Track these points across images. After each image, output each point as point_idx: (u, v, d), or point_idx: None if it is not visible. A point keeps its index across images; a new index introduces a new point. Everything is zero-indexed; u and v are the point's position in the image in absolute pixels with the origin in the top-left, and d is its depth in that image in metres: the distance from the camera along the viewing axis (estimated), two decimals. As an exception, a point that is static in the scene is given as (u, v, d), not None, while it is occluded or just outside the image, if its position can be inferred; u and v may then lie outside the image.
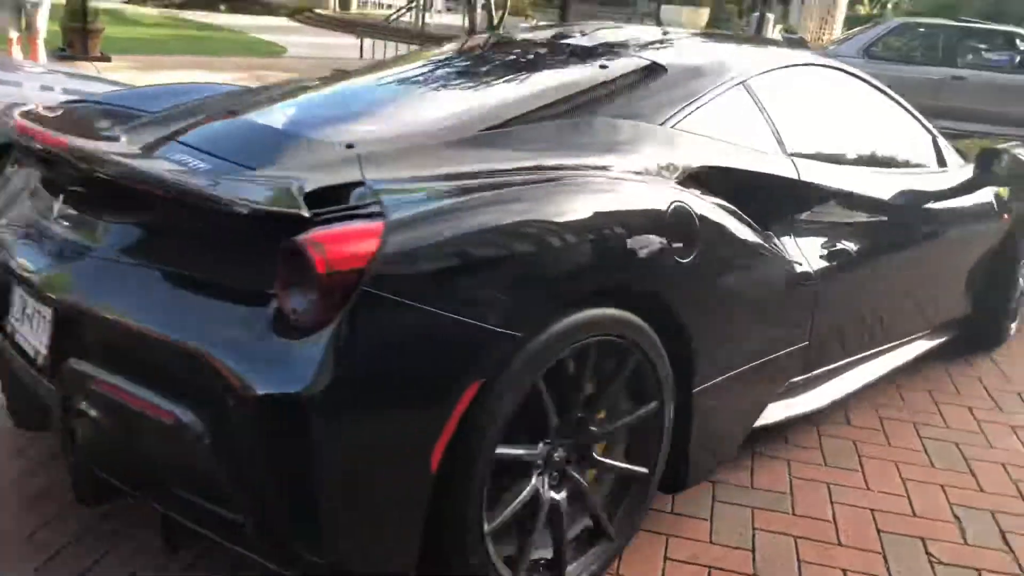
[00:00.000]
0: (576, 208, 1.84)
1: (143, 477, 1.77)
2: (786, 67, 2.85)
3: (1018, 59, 10.23)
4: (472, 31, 7.28)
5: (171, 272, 1.71)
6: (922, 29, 10.76)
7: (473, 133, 2.04)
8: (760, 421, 2.51)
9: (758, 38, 2.99)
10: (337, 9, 29.63)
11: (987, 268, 3.60)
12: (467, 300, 1.61)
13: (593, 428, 1.98)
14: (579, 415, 1.94)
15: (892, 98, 3.31)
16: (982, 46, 11.59)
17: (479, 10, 7.23)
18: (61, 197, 1.97)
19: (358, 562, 1.63)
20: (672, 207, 2.02)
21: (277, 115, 2.22)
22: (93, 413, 1.71)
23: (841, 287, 2.65)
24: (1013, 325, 4.02)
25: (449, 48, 3.09)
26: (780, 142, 2.60)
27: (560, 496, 1.93)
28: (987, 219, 3.54)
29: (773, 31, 24.21)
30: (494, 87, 2.51)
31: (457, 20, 20.80)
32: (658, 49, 2.73)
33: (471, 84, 2.61)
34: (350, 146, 1.87)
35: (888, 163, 3.18)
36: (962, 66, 10.24)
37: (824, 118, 2.96)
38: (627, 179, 2.06)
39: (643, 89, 2.42)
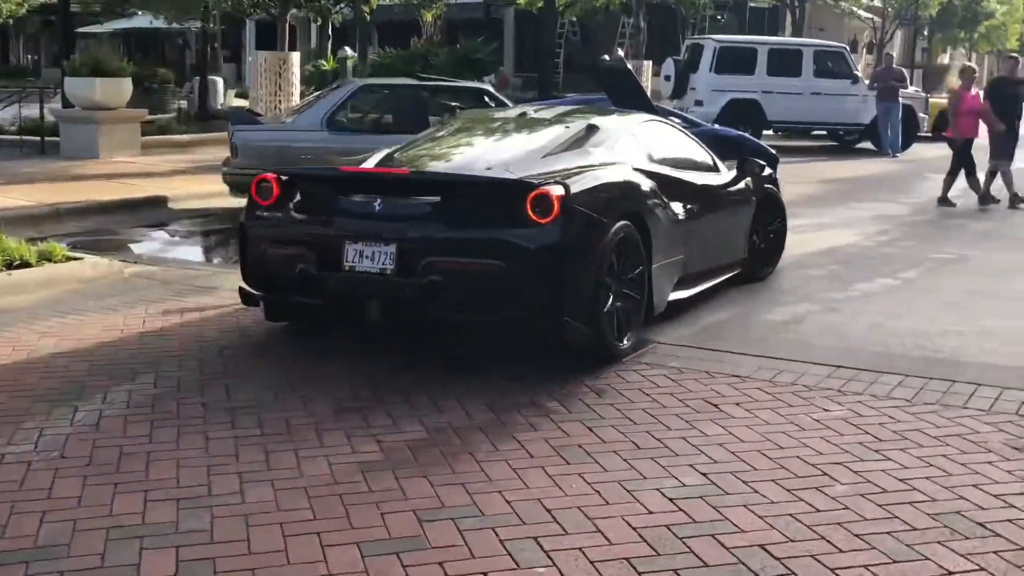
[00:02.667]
0: (610, 178, 5.95)
1: (462, 305, 5.37)
2: (644, 121, 7.36)
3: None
4: None
5: (460, 218, 5.42)
6: (386, 91, 11.85)
7: (540, 157, 6.03)
8: (671, 297, 6.39)
9: (617, 109, 8.59)
10: None
11: (747, 232, 7.74)
12: (595, 208, 5.47)
13: (627, 272, 5.75)
14: (621, 265, 5.68)
15: (691, 136, 7.85)
16: (454, 104, 13.12)
17: None
18: (379, 196, 5.62)
19: (571, 312, 5.31)
20: (641, 179, 6.18)
21: (458, 158, 6.38)
22: (441, 279, 5.23)
23: (693, 228, 6.67)
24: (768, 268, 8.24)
25: (494, 115, 8.02)
26: (650, 157, 6.64)
27: (617, 305, 5.67)
28: (747, 199, 7.78)
29: (225, 99, 24.94)
30: (533, 134, 6.66)
31: None
32: (586, 118, 6.89)
33: (520, 135, 6.83)
34: (488, 168, 5.80)
35: (698, 168, 7.31)
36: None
37: (666, 145, 7.14)
38: (616, 168, 6.13)
39: (594, 135, 6.47)
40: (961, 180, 13.00)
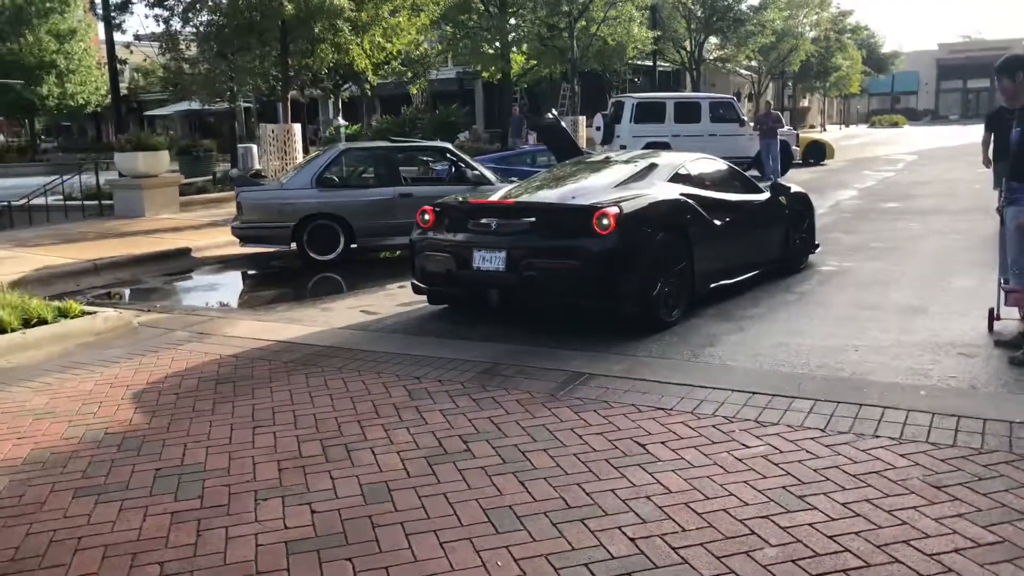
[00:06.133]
0: (658, 199, 6.25)
1: (549, 292, 5.84)
2: (695, 159, 7.39)
3: (453, 170, 10.54)
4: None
5: (549, 232, 5.86)
6: (364, 153, 10.64)
7: (612, 187, 6.38)
8: (713, 284, 6.54)
9: (656, 152, 8.44)
10: None
11: (783, 234, 7.69)
12: (643, 222, 5.88)
13: (671, 268, 6.00)
14: (666, 263, 5.96)
15: (733, 167, 7.89)
16: (425, 158, 11.94)
17: None
18: (495, 219, 6.14)
19: (629, 303, 5.76)
20: (684, 200, 6.38)
21: (554, 191, 6.59)
22: (535, 274, 5.78)
23: (731, 235, 6.73)
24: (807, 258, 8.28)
25: (587, 161, 7.97)
26: (696, 184, 6.82)
27: (667, 289, 5.93)
28: (781, 213, 7.68)
29: (260, 163, 23.59)
30: (609, 172, 6.93)
31: None
32: (650, 158, 7.18)
33: (599, 173, 7.00)
34: (573, 197, 6.17)
35: (737, 191, 7.39)
36: (409, 182, 10.27)
37: (710, 175, 7.27)
38: (665, 193, 6.42)
39: (654, 170, 6.76)
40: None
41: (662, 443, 3.91)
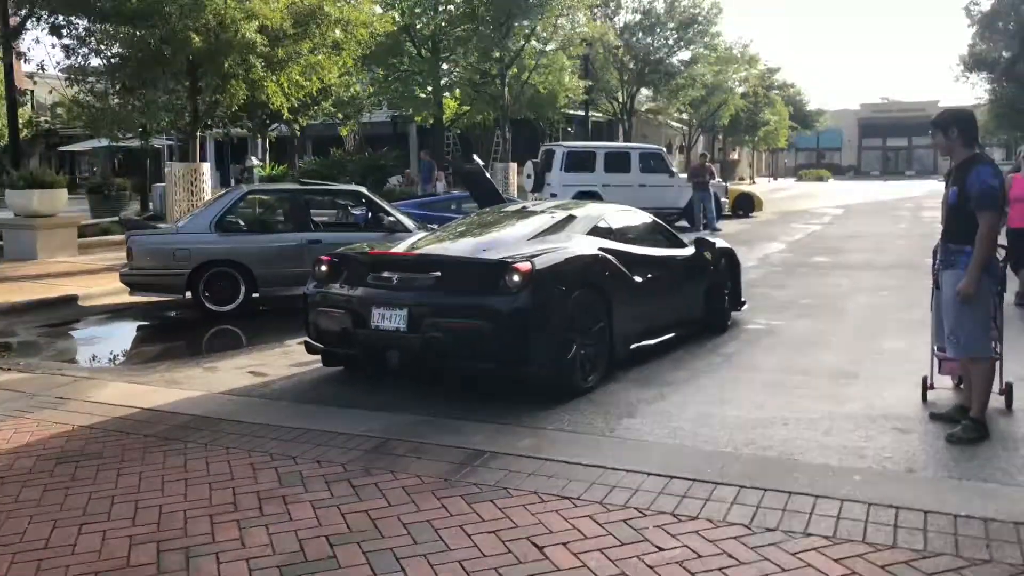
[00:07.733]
0: (575, 254, 5.74)
1: (454, 355, 5.26)
2: (616, 211, 7.09)
3: (370, 215, 9.99)
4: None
5: (454, 288, 5.38)
6: (271, 196, 9.99)
7: (525, 240, 5.90)
8: (634, 345, 6.13)
9: (575, 203, 7.75)
10: None
11: (707, 292, 7.31)
12: (558, 279, 5.38)
13: (588, 328, 5.54)
14: (582, 323, 5.50)
15: (656, 220, 7.55)
16: (341, 202, 11.33)
17: None
18: (397, 273, 5.63)
19: (537, 360, 5.18)
20: (603, 255, 5.90)
21: (464, 242, 6.12)
22: (439, 335, 5.19)
23: (658, 295, 6.50)
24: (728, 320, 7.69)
25: (504, 210, 7.44)
26: (616, 237, 6.45)
27: (584, 352, 5.47)
28: (706, 269, 7.36)
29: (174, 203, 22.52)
30: (524, 223, 6.42)
31: None
32: (569, 209, 6.75)
33: (514, 224, 6.49)
34: (484, 250, 5.66)
35: (659, 245, 7.06)
36: (321, 228, 9.67)
37: (632, 227, 6.95)
38: (583, 247, 5.91)
39: (572, 222, 6.35)
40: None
41: (563, 544, 3.33)
